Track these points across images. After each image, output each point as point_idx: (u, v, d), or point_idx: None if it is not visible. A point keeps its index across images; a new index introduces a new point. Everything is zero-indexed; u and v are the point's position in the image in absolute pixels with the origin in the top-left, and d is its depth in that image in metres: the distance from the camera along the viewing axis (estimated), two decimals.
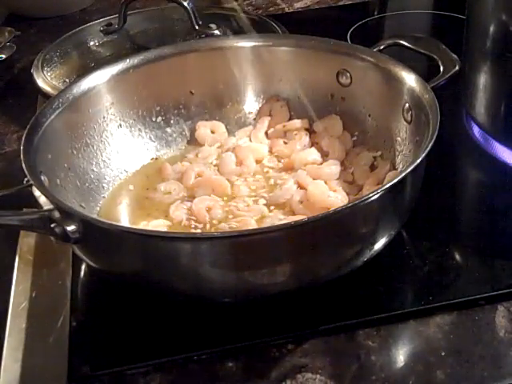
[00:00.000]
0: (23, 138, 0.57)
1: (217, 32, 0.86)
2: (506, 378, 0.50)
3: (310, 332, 0.53)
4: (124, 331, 0.55)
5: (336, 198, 0.60)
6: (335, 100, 0.69)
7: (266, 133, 0.71)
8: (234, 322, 0.54)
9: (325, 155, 0.67)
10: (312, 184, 0.62)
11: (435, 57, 0.65)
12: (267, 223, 0.59)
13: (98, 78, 0.66)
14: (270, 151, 0.69)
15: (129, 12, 0.91)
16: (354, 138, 0.68)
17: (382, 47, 0.68)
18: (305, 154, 0.67)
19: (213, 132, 0.71)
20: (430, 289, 0.56)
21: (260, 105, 0.73)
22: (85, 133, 0.65)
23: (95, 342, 0.55)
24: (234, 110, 0.73)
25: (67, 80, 0.82)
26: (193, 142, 0.72)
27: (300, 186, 0.63)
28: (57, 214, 0.51)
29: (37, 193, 0.54)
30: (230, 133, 0.72)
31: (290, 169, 0.67)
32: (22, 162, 0.54)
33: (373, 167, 0.65)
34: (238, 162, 0.67)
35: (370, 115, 0.67)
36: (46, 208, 0.53)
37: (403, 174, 0.50)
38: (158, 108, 0.70)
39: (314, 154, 0.67)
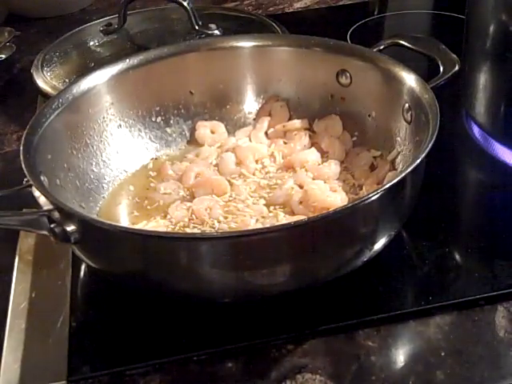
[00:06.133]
0: (23, 138, 0.57)
1: (217, 32, 0.86)
2: (506, 378, 0.50)
3: (309, 332, 0.53)
4: (124, 331, 0.55)
5: (336, 198, 0.60)
6: (335, 100, 0.69)
7: (266, 133, 0.71)
8: (234, 322, 0.54)
9: (325, 155, 0.67)
10: (312, 184, 0.62)
11: (435, 57, 0.65)
12: (267, 223, 0.59)
13: (98, 78, 0.66)
14: (270, 151, 0.69)
15: (129, 12, 0.91)
16: (354, 138, 0.68)
17: (381, 47, 0.68)
18: (305, 154, 0.67)
19: (213, 132, 0.71)
20: (430, 289, 0.56)
21: (260, 105, 0.73)
22: (84, 133, 0.65)
23: (95, 342, 0.55)
24: (233, 110, 0.73)
25: (67, 80, 0.82)
26: (193, 142, 0.71)
27: (300, 186, 0.63)
28: (56, 215, 0.51)
29: (36, 193, 0.53)
30: (230, 133, 0.72)
31: (289, 169, 0.67)
32: (22, 162, 0.53)
33: (373, 167, 0.65)
34: (238, 162, 0.67)
35: (369, 115, 0.67)
36: (45, 208, 0.53)
37: (403, 174, 0.50)
38: (157, 108, 0.70)
39: (313, 154, 0.67)
